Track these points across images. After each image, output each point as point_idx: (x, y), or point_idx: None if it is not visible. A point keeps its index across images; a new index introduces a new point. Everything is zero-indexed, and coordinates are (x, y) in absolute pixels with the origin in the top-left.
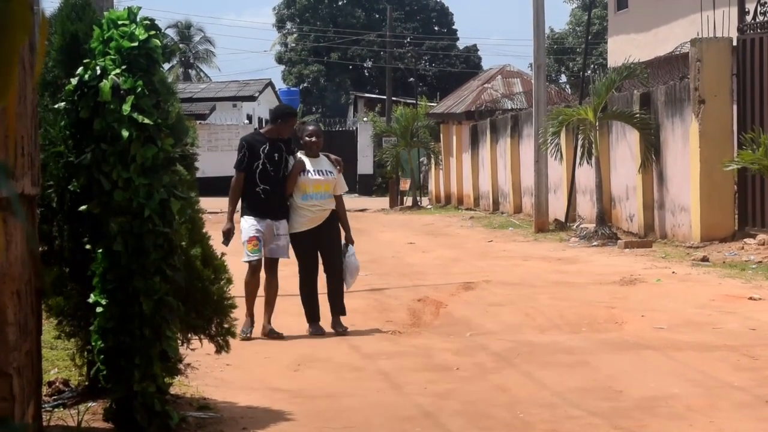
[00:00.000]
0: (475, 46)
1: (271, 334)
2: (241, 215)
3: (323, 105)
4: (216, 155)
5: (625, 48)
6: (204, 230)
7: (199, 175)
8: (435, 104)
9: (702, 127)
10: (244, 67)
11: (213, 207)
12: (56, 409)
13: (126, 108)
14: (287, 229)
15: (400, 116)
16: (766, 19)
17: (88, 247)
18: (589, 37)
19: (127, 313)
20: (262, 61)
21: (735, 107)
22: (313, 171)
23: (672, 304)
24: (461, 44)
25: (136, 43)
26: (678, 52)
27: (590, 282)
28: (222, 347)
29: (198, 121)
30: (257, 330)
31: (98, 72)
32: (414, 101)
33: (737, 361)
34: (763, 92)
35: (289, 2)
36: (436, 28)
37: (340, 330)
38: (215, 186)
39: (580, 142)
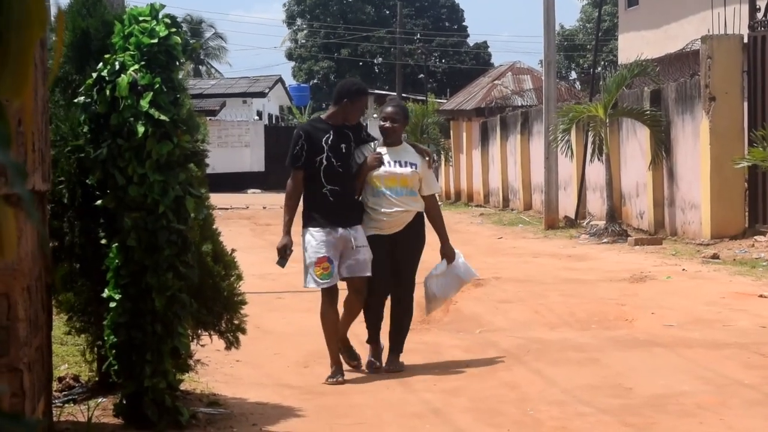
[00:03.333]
0: (485, 42)
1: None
2: (303, 226)
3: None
4: (226, 151)
5: (636, 45)
6: (215, 227)
7: (209, 171)
8: (445, 101)
9: (712, 124)
10: (254, 63)
11: (223, 203)
12: (66, 405)
13: (143, 104)
14: (365, 238)
15: (410, 113)
16: None
17: (102, 242)
18: (600, 34)
19: (139, 308)
20: (272, 58)
21: (746, 104)
22: (388, 161)
23: (682, 302)
24: (471, 41)
25: (155, 40)
26: (689, 49)
27: (600, 279)
28: (232, 343)
29: (208, 118)
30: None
31: (117, 67)
32: (424, 98)
33: (747, 358)
34: None
35: None
36: (446, 25)
37: (394, 368)
38: (226, 182)
39: (590, 139)
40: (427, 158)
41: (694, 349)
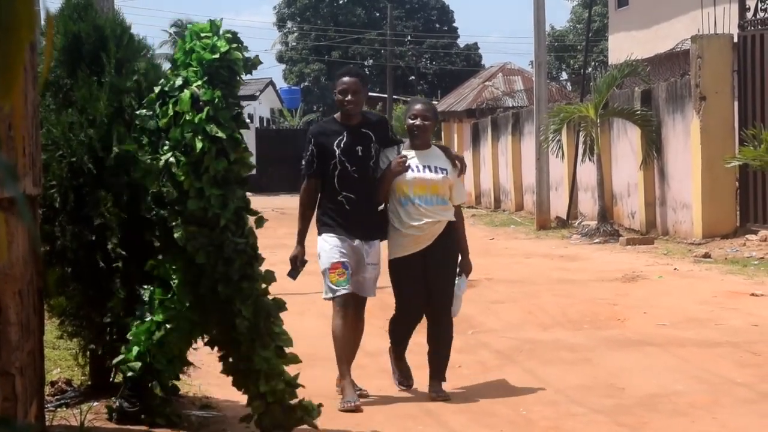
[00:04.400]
0: (475, 44)
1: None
2: (319, 233)
3: (324, 104)
4: None
5: (626, 45)
6: None
7: None
8: (436, 102)
9: (703, 124)
10: None
11: None
12: (59, 409)
13: (201, 118)
14: (379, 257)
15: (401, 115)
16: (766, 15)
17: (112, 248)
18: (590, 35)
19: (226, 323)
20: (263, 60)
21: (736, 104)
22: (417, 166)
23: (674, 301)
24: (462, 42)
25: (217, 55)
26: (679, 49)
27: (592, 279)
28: None
29: None
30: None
31: (180, 82)
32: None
33: (740, 357)
34: (764, 89)
35: (290, 1)
36: (436, 26)
37: (440, 396)
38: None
39: (581, 140)
40: (458, 165)
41: (687, 348)
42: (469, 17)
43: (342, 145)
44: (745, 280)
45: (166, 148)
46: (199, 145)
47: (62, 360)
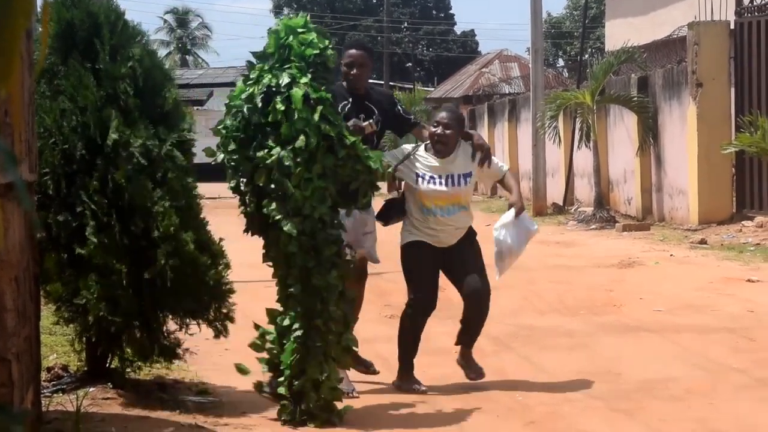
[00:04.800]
0: (472, 30)
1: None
2: None
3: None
4: (213, 141)
5: (623, 32)
6: (202, 216)
7: (196, 161)
8: (432, 89)
9: (700, 111)
10: (241, 52)
11: (211, 192)
12: (55, 395)
13: (316, 117)
14: (374, 223)
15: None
16: (763, 2)
17: (88, 235)
18: (587, 21)
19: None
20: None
21: (733, 90)
22: (437, 177)
23: (670, 287)
24: (458, 29)
25: (317, 51)
26: (676, 36)
27: (588, 265)
28: (220, 332)
29: (195, 107)
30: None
31: (287, 79)
32: (411, 86)
33: (736, 343)
34: (761, 75)
35: None
36: (433, 13)
37: (474, 375)
38: (212, 171)
39: (578, 126)
40: (479, 154)
41: (683, 334)
42: (465, 4)
43: (345, 110)
44: (741, 267)
45: (270, 142)
46: (312, 141)
47: (59, 346)
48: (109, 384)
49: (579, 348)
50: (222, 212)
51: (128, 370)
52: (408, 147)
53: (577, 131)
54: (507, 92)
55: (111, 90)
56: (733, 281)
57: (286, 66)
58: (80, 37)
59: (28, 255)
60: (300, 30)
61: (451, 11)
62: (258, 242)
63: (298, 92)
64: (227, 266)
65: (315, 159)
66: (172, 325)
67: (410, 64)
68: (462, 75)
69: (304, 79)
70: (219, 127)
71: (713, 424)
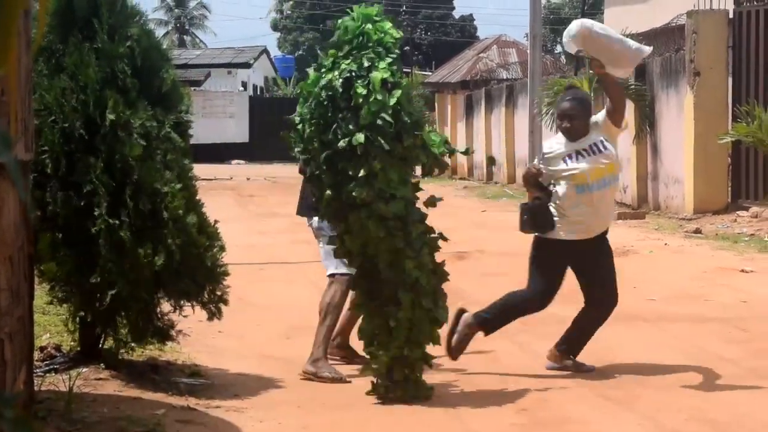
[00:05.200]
0: (471, 15)
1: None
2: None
3: None
4: (210, 122)
5: (622, 18)
6: (198, 197)
7: (192, 141)
8: (430, 73)
9: (697, 99)
10: (239, 33)
11: (207, 174)
12: (48, 374)
13: (392, 101)
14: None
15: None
16: None
17: (99, 215)
18: (586, 8)
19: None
20: (257, 28)
21: (730, 80)
22: (580, 153)
23: (664, 276)
24: (457, 14)
25: (394, 39)
26: (674, 24)
27: None
28: (214, 314)
29: (193, 88)
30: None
31: (367, 64)
32: (409, 70)
33: (729, 333)
34: (759, 65)
35: None
36: None
37: (586, 367)
38: (209, 153)
39: None
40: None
41: (676, 323)
42: None
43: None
44: (735, 257)
45: (351, 127)
46: (389, 126)
47: (52, 326)
48: (102, 364)
49: None
50: (217, 194)
51: (121, 351)
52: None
53: None
54: (504, 78)
55: (109, 70)
56: (727, 271)
57: (363, 52)
58: (79, 16)
59: (22, 234)
60: (376, 18)
61: None
62: (252, 224)
63: (377, 75)
64: (222, 248)
65: (400, 140)
66: (165, 306)
67: (408, 48)
68: (460, 60)
69: (382, 64)
70: (293, 116)
71: (707, 414)
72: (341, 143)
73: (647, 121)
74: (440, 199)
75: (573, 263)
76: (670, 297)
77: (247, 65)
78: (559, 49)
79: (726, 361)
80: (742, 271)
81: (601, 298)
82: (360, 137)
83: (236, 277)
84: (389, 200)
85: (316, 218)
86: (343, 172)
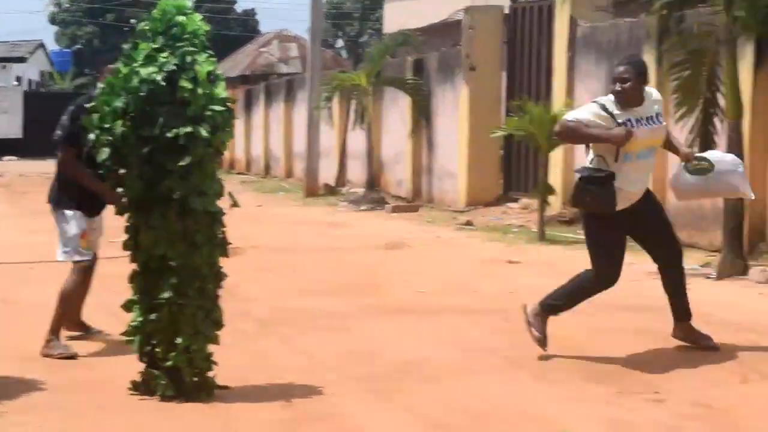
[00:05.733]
0: (253, 9)
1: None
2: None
3: (97, 69)
4: None
5: (402, 14)
6: None
7: None
8: None
9: (472, 94)
10: (18, 27)
11: None
12: None
13: (221, 92)
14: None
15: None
16: None
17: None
18: (367, 3)
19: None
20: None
21: (504, 75)
22: (635, 121)
23: (435, 268)
24: (239, 8)
25: (205, 30)
26: (452, 20)
27: (357, 246)
28: None
29: None
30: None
31: (189, 58)
32: None
33: (494, 324)
34: (532, 61)
35: None
36: None
37: (707, 341)
38: None
39: (353, 108)
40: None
41: (444, 315)
42: None
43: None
44: (504, 248)
45: (176, 121)
46: (219, 117)
47: None
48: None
49: (341, 330)
50: None
51: None
52: (595, 106)
53: (352, 113)
54: (285, 72)
55: None
56: (496, 262)
57: (179, 44)
58: None
59: None
60: (187, 10)
61: None
62: (25, 222)
63: (203, 69)
64: None
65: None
66: None
67: None
68: (240, 54)
69: (202, 57)
70: (105, 108)
71: (462, 403)
72: (168, 135)
73: (424, 116)
74: (238, 201)
75: (629, 231)
76: (439, 289)
77: (22, 59)
78: (340, 43)
79: (489, 351)
80: (510, 262)
81: (670, 254)
82: (187, 130)
83: (3, 278)
84: (201, 195)
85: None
86: (159, 167)
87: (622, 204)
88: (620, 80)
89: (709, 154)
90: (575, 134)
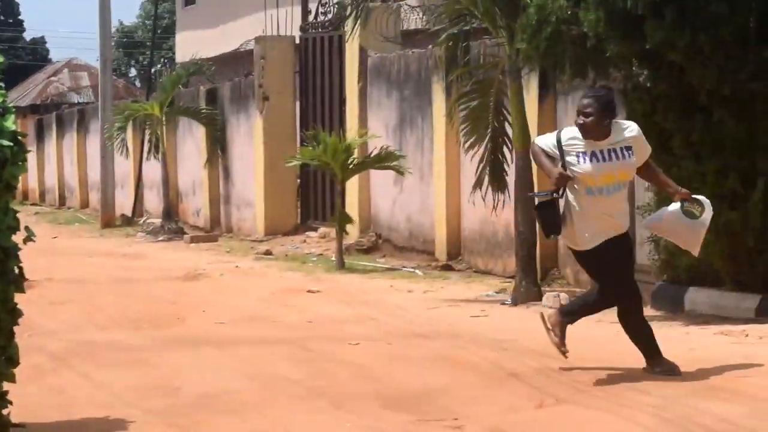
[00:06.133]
0: (42, 37)
1: None
2: None
3: None
4: None
5: (193, 43)
6: None
7: None
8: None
9: (266, 124)
10: None
11: None
12: None
13: (9, 125)
14: None
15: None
16: (326, 19)
17: None
18: (158, 32)
19: None
20: None
21: (298, 104)
22: (596, 153)
23: (233, 299)
24: (28, 36)
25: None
26: (243, 49)
27: (154, 278)
28: None
29: None
30: None
31: None
32: None
33: (293, 354)
34: (324, 90)
35: None
36: (1, 18)
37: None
38: None
39: (147, 138)
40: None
41: (242, 346)
42: (35, 9)
43: None
44: (303, 277)
45: None
46: (9, 151)
47: None
48: None
49: (139, 363)
50: None
51: None
52: (553, 137)
53: (146, 143)
54: (76, 102)
55: None
56: (295, 292)
57: None
58: None
59: None
60: None
61: (20, 17)
62: None
63: None
64: None
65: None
66: None
67: None
68: (30, 83)
69: None
70: None
71: None
72: None
73: (219, 145)
74: (33, 234)
75: (627, 250)
76: (238, 320)
77: None
78: (133, 72)
79: (289, 381)
80: (309, 291)
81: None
82: None
83: None
84: None
85: None
86: None
87: (597, 239)
88: (583, 114)
89: (703, 200)
90: (534, 158)
